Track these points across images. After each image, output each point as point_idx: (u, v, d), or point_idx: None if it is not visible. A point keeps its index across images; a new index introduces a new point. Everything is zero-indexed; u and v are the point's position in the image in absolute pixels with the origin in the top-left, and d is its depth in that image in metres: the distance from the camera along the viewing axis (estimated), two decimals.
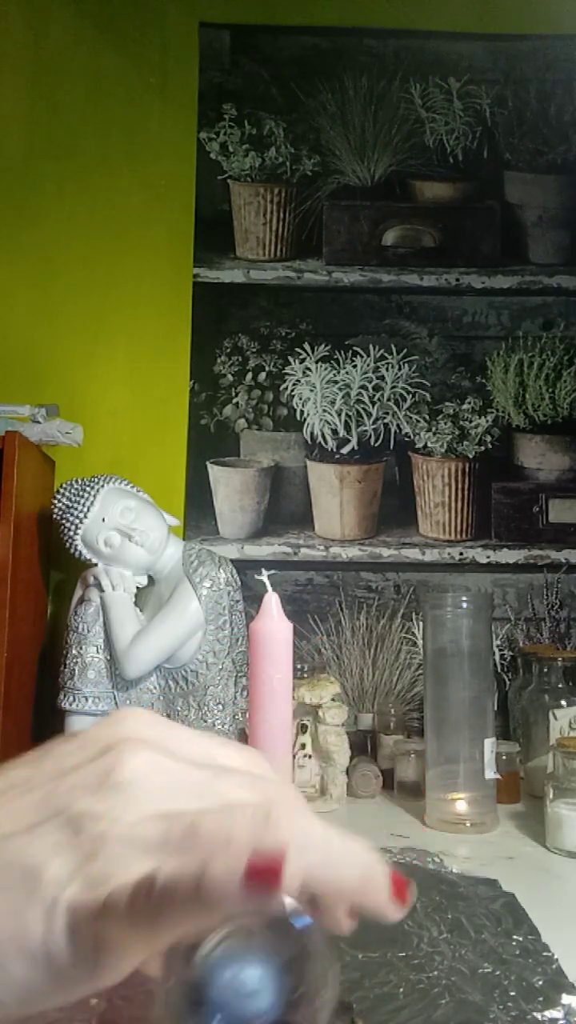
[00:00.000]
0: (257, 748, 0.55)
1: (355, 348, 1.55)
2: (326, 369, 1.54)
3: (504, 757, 1.14)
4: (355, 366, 1.54)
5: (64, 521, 1.24)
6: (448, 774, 1.06)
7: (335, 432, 1.53)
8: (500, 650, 1.46)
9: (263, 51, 1.60)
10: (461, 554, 1.52)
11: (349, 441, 1.53)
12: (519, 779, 1.18)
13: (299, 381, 1.54)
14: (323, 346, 1.55)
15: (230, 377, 1.54)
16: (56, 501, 1.26)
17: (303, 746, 1.16)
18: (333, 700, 1.18)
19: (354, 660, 1.47)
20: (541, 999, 0.58)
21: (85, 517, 1.23)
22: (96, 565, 1.25)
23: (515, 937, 0.68)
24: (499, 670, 1.45)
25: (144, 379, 1.54)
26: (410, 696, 1.45)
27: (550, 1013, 0.56)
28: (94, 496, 1.23)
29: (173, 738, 0.36)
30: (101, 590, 1.24)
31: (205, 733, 0.38)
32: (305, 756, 1.16)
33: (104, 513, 1.23)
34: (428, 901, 0.76)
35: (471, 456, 1.53)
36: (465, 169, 1.59)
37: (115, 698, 1.22)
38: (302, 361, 1.54)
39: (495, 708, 1.17)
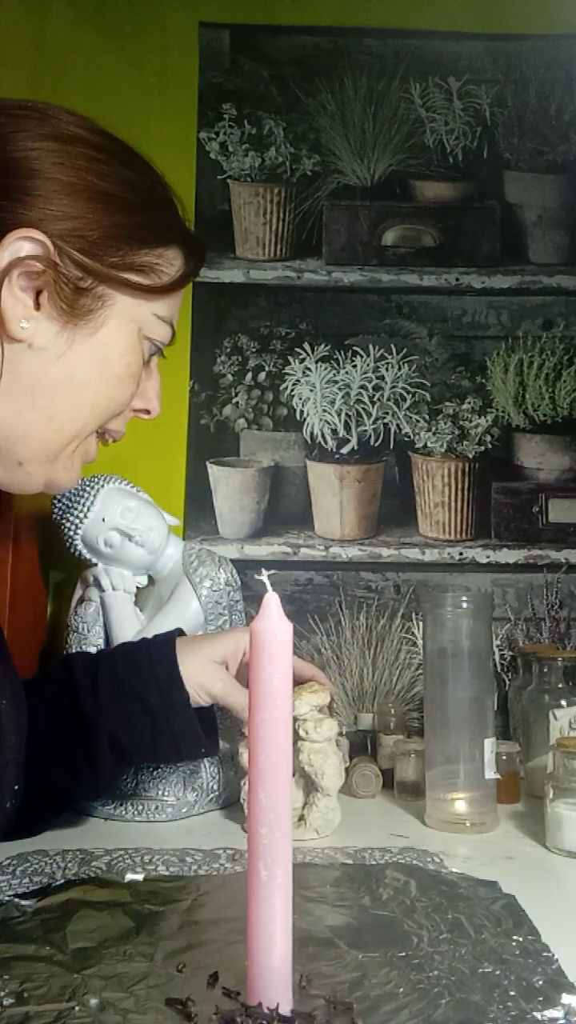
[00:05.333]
0: (257, 748, 0.55)
1: (355, 348, 1.55)
2: (326, 369, 1.54)
3: (504, 757, 1.14)
4: (355, 366, 1.54)
5: (64, 521, 1.24)
6: (448, 774, 1.06)
7: (335, 432, 1.53)
8: (500, 650, 1.46)
9: (263, 51, 1.60)
10: (461, 554, 1.52)
11: (349, 441, 1.53)
12: (519, 779, 1.18)
13: (299, 381, 1.54)
14: (323, 346, 1.55)
15: (230, 377, 1.54)
16: (56, 501, 1.25)
17: None
18: (320, 712, 1.03)
19: (354, 660, 1.47)
20: (541, 999, 0.58)
21: (85, 517, 1.22)
22: (96, 565, 1.25)
23: (515, 937, 0.68)
24: (499, 670, 1.44)
25: None
26: (410, 696, 1.45)
27: (550, 1013, 0.56)
28: (94, 496, 1.23)
29: None
30: (101, 590, 1.23)
31: None
32: None
33: (104, 513, 1.23)
34: (428, 901, 0.76)
35: (471, 456, 1.53)
36: (465, 169, 1.59)
37: None
38: (302, 361, 1.54)
39: (495, 708, 1.17)
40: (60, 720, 0.97)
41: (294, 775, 1.01)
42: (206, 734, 1.00)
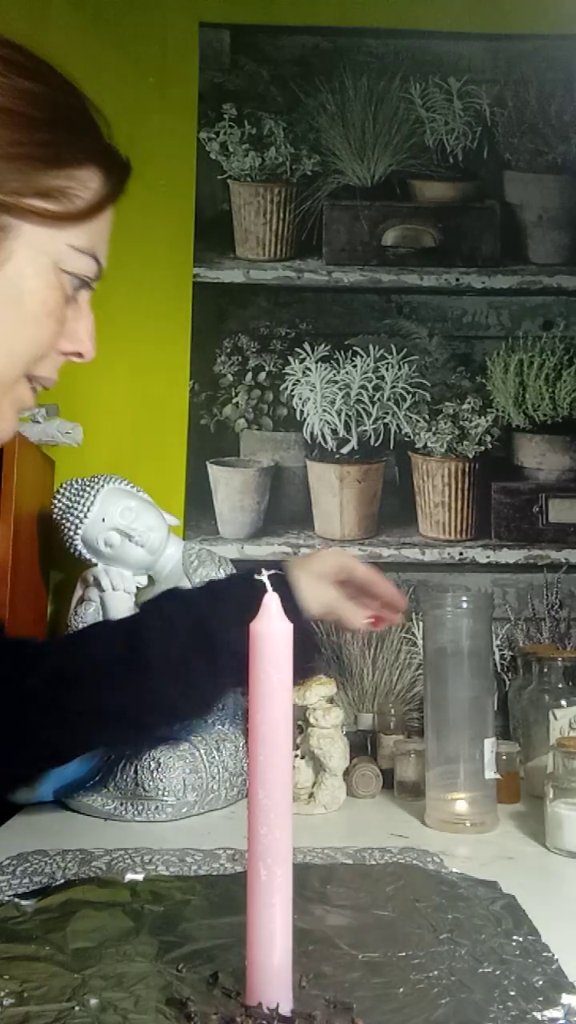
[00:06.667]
0: (257, 748, 0.55)
1: (355, 348, 1.55)
2: (326, 369, 1.54)
3: (504, 757, 1.14)
4: (355, 366, 1.54)
5: (64, 521, 1.24)
6: (448, 774, 1.06)
7: (335, 432, 1.53)
8: (500, 650, 1.46)
9: (263, 51, 1.60)
10: (461, 554, 1.52)
11: (349, 441, 1.53)
12: (519, 779, 1.18)
13: (299, 381, 1.54)
14: (323, 346, 1.55)
15: (230, 377, 1.54)
16: (56, 501, 1.26)
17: (296, 746, 1.16)
18: (329, 702, 1.15)
19: (354, 660, 1.47)
20: (541, 999, 0.58)
21: (85, 517, 1.23)
22: (96, 565, 1.25)
23: (515, 937, 0.68)
24: (499, 670, 1.44)
25: (144, 379, 1.54)
26: (410, 696, 1.45)
27: (550, 1013, 0.56)
28: (94, 496, 1.23)
29: None
30: (101, 590, 1.23)
31: None
32: (298, 758, 1.15)
33: (104, 513, 1.23)
34: (428, 901, 0.76)
35: (471, 456, 1.53)
36: (465, 169, 1.59)
37: None
38: (302, 361, 1.54)
39: (495, 708, 1.17)
40: (185, 643, 0.99)
41: (304, 758, 1.13)
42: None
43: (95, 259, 0.76)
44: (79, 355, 0.78)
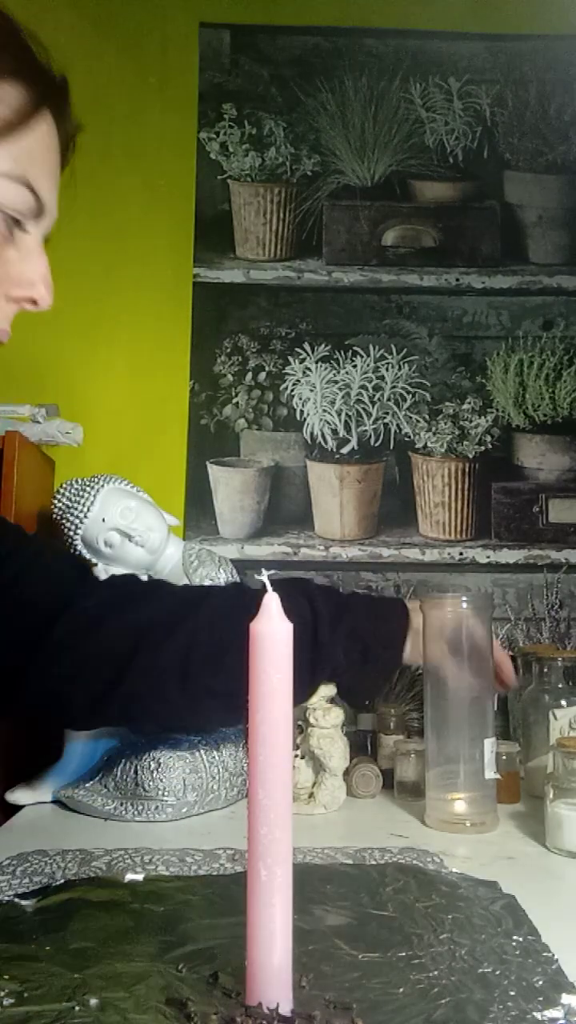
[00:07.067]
0: (257, 748, 0.55)
1: (355, 348, 1.55)
2: (326, 369, 1.54)
3: (504, 757, 1.14)
4: (355, 366, 1.54)
5: (64, 521, 1.24)
6: (448, 774, 1.06)
7: (335, 432, 1.53)
8: None
9: (263, 51, 1.60)
10: (461, 554, 1.52)
11: (349, 441, 1.53)
12: (519, 779, 1.18)
13: (299, 381, 1.54)
14: (323, 346, 1.55)
15: (230, 377, 1.54)
16: (56, 501, 1.25)
17: (296, 746, 1.16)
18: (329, 702, 1.15)
19: None
20: (541, 999, 0.58)
21: (85, 517, 1.22)
22: (96, 565, 1.25)
23: (515, 937, 0.68)
24: None
25: (144, 379, 1.54)
26: (410, 696, 1.45)
27: (550, 1013, 0.56)
28: (94, 496, 1.23)
29: None
30: None
31: None
32: (298, 758, 1.15)
33: (104, 513, 1.23)
34: (428, 901, 0.76)
35: (471, 456, 1.53)
36: (465, 169, 1.59)
37: None
38: (302, 361, 1.54)
39: (495, 708, 1.16)
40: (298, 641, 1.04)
41: (304, 758, 1.13)
42: None
43: (29, 189, 0.68)
44: (33, 302, 0.71)
